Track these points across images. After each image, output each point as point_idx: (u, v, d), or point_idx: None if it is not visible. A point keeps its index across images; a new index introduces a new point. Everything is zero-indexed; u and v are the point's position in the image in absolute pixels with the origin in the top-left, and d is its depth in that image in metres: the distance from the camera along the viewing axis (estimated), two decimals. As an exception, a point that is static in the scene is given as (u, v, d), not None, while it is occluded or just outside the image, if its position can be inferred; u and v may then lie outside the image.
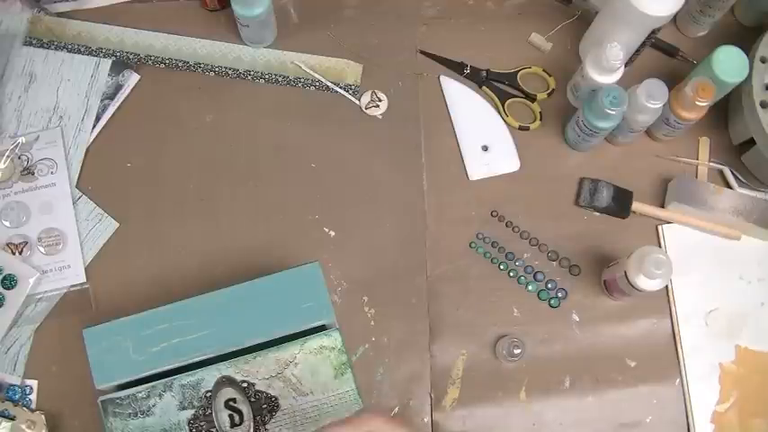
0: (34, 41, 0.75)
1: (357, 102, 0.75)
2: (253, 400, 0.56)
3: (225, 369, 0.56)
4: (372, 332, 0.67)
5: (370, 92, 0.75)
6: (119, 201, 0.70)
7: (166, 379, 0.55)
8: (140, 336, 0.56)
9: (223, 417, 0.55)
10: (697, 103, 0.66)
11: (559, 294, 0.69)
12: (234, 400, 0.55)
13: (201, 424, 0.55)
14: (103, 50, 0.75)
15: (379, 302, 0.68)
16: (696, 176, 0.74)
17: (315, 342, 0.57)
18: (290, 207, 0.71)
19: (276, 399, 0.56)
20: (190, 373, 0.56)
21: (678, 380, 0.67)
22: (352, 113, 0.75)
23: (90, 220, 0.69)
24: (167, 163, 0.72)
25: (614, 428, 0.66)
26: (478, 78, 0.76)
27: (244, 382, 0.56)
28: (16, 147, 0.70)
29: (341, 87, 0.75)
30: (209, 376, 0.56)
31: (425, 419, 0.65)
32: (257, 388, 0.56)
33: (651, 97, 0.65)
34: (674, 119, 0.69)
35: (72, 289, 0.67)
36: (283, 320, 0.56)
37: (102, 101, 0.73)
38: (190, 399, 0.55)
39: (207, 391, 0.55)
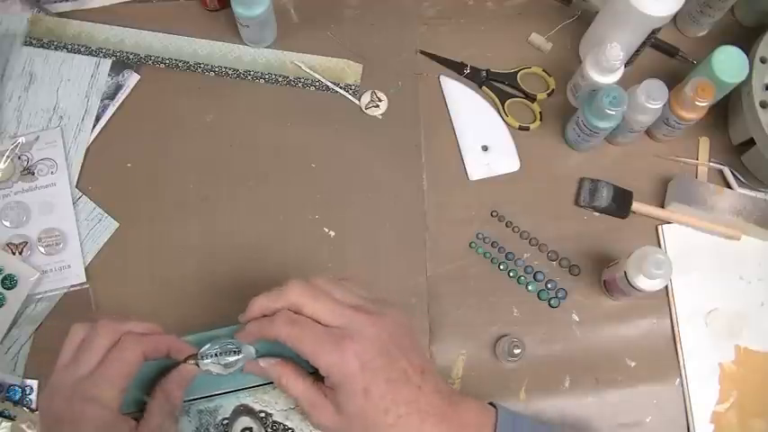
0: (34, 41, 0.75)
1: (357, 102, 0.75)
2: (269, 430, 0.55)
3: (243, 398, 0.55)
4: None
5: (370, 92, 0.75)
6: (119, 201, 0.70)
7: (184, 403, 0.55)
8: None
9: None
10: (697, 103, 0.66)
11: (559, 294, 0.69)
12: (250, 429, 0.55)
13: None
14: (103, 50, 0.75)
15: (379, 302, 0.68)
16: (696, 176, 0.74)
17: None
18: (290, 207, 0.71)
19: (293, 431, 0.56)
20: (208, 399, 0.55)
21: (678, 380, 0.67)
22: (352, 113, 0.75)
23: (90, 220, 0.69)
24: (167, 163, 0.72)
25: (614, 428, 0.66)
26: (478, 78, 0.76)
27: (261, 412, 0.55)
28: (16, 147, 0.70)
29: (341, 87, 0.75)
30: (227, 404, 0.55)
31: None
32: (274, 419, 0.56)
33: (651, 97, 0.65)
34: (673, 119, 0.69)
35: (72, 289, 0.67)
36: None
37: (102, 101, 0.73)
38: (206, 425, 0.55)
39: (224, 419, 0.55)
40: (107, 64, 0.75)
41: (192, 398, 0.55)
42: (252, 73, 0.75)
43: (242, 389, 0.56)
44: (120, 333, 0.50)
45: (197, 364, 0.52)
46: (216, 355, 0.52)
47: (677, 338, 0.68)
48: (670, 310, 0.69)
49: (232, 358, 0.52)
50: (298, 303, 0.50)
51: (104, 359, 0.49)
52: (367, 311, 0.50)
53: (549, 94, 0.76)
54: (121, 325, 0.51)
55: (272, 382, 0.55)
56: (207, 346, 0.52)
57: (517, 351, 0.64)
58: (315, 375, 0.51)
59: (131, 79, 0.74)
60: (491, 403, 0.53)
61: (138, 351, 0.49)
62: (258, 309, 0.51)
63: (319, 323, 0.49)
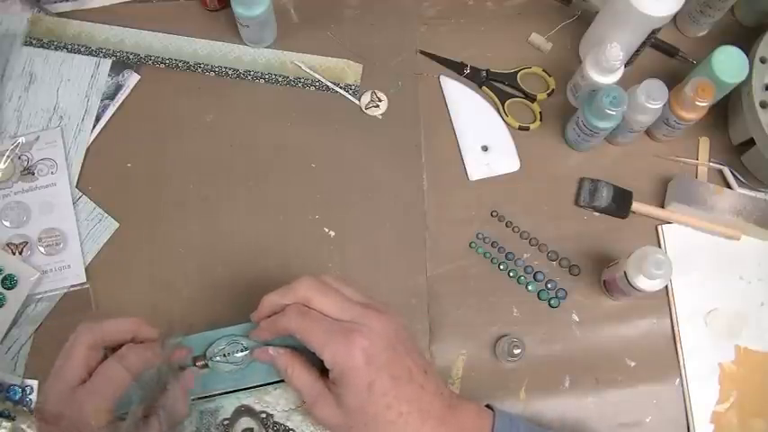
0: (34, 41, 0.75)
1: (357, 102, 0.75)
2: (270, 431, 0.55)
3: (245, 398, 0.55)
4: (372, 332, 0.67)
5: (370, 92, 0.75)
6: (119, 201, 0.70)
7: None
8: None
9: None
10: (697, 103, 0.66)
11: (559, 294, 0.69)
12: (251, 430, 0.55)
13: None
14: (103, 50, 0.75)
15: (379, 302, 0.68)
16: (696, 176, 0.74)
17: None
18: (290, 207, 0.71)
19: None
20: (209, 399, 0.55)
21: (678, 380, 0.67)
22: (352, 113, 0.75)
23: (90, 220, 0.69)
24: (167, 163, 0.72)
25: (614, 428, 0.66)
26: (478, 78, 0.76)
27: (263, 412, 0.55)
28: (16, 147, 0.70)
29: (341, 87, 0.75)
30: (228, 404, 0.55)
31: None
32: (275, 419, 0.56)
33: (651, 97, 0.65)
34: (673, 119, 0.69)
35: (72, 289, 0.67)
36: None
37: (102, 101, 0.73)
38: (207, 425, 0.55)
39: (225, 419, 0.55)
40: (107, 64, 0.75)
41: (193, 398, 0.55)
42: (252, 73, 0.75)
43: (243, 389, 0.56)
44: (99, 335, 0.51)
45: (206, 365, 0.52)
46: (225, 355, 0.52)
47: (677, 338, 0.68)
48: (670, 310, 0.69)
49: (240, 355, 0.52)
50: (306, 297, 0.50)
51: (96, 374, 0.49)
52: (375, 308, 0.51)
53: (549, 94, 0.76)
54: (99, 326, 0.51)
55: (273, 383, 0.55)
56: (214, 345, 0.52)
57: (517, 351, 0.64)
58: (321, 371, 0.51)
59: (131, 79, 0.74)
60: (488, 406, 0.53)
61: (129, 372, 0.49)
62: (269, 305, 0.52)
63: (328, 318, 0.50)
